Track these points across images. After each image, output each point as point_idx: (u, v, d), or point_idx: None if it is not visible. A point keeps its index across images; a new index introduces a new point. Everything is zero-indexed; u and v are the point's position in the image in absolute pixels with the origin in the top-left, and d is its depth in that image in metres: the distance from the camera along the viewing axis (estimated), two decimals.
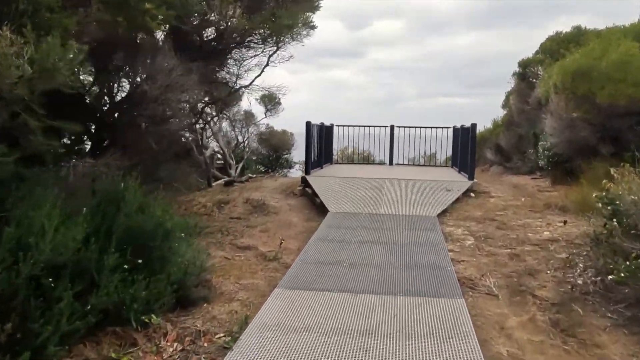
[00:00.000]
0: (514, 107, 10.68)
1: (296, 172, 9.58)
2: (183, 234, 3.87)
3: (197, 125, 11.53)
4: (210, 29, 6.54)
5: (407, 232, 5.62)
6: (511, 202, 7.31)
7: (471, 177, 8.08)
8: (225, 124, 13.76)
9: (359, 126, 11.73)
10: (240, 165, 12.02)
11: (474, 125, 8.13)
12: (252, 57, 7.97)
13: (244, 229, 6.49)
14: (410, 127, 11.43)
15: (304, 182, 8.31)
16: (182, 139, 6.78)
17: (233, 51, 7.09)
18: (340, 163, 12.17)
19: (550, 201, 6.96)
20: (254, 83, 8.70)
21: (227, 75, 8.48)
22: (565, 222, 5.76)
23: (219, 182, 10.82)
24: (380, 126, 11.73)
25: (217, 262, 5.05)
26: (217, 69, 7.62)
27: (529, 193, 7.94)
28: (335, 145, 11.99)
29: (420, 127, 11.28)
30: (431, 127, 11.17)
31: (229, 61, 7.30)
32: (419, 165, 12.08)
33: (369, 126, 11.69)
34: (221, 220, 6.99)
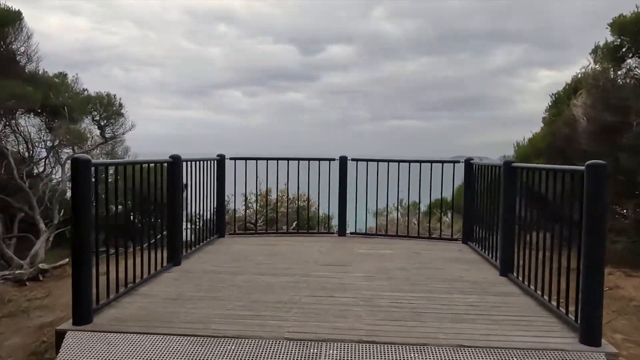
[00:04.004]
0: (585, 118, 5.12)
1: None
2: None
3: None
4: None
5: None
6: None
7: (592, 339, 2.46)
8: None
9: (283, 159, 6.03)
10: (45, 235, 6.01)
11: (601, 169, 2.53)
12: None
13: None
14: (371, 160, 5.85)
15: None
16: None
17: None
18: (242, 234, 6.24)
19: None
20: None
21: None
22: None
23: None
24: (324, 159, 6.09)
25: None
26: None
27: None
28: (250, 185, 6.20)
29: (391, 161, 5.71)
30: (410, 161, 5.62)
31: None
32: (394, 236, 6.16)
33: (305, 159, 5.99)
34: None
